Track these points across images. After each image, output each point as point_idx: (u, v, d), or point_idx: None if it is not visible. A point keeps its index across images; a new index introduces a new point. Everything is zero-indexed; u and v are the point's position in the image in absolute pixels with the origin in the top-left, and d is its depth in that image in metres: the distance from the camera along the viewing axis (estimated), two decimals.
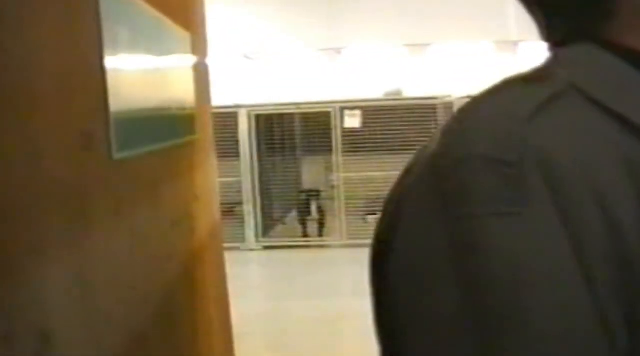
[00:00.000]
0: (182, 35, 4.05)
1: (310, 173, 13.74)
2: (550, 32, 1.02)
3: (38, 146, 1.92)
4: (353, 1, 18.16)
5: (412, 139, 12.36)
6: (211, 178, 5.03)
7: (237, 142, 12.50)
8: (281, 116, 13.42)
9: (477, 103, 0.93)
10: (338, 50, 17.86)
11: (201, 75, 4.59)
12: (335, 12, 17.98)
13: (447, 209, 0.82)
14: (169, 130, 3.68)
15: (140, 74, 3.12)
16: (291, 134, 13.82)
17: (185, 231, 3.93)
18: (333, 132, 12.62)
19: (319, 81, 16.98)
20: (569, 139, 0.81)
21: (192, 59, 4.31)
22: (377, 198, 12.69)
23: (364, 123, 12.59)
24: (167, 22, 3.68)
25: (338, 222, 12.71)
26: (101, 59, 2.44)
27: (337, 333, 8.44)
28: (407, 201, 0.89)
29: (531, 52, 19.20)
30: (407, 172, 0.95)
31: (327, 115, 12.67)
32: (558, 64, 0.94)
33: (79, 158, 2.22)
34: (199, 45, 4.53)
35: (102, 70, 2.44)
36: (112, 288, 2.46)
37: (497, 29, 18.82)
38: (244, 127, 12.62)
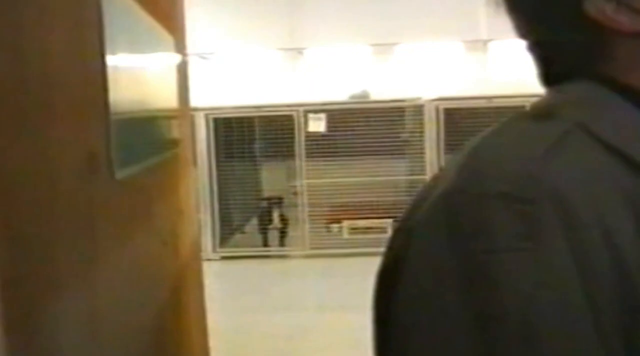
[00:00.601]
0: (169, 42, 4.05)
1: (271, 180, 13.21)
2: (549, 67, 1.11)
3: (54, 166, 1.90)
4: (318, 1, 17.77)
5: (379, 144, 11.98)
6: (192, 191, 4.93)
7: (194, 147, 11.90)
8: (241, 120, 12.86)
9: (489, 141, 1.01)
10: (300, 51, 17.40)
11: (183, 84, 4.57)
12: (297, 11, 17.65)
13: (460, 242, 0.88)
14: (158, 145, 3.62)
15: (135, 87, 3.02)
16: (251, 139, 13.25)
17: (171, 250, 3.82)
18: (296, 136, 12.06)
19: (281, 83, 16.57)
20: (579, 177, 0.89)
21: (177, 71, 4.28)
22: (341, 206, 12.20)
23: (329, 127, 12.09)
24: (161, 31, 3.70)
25: (300, 231, 12.11)
26: (104, 71, 2.37)
27: (300, 348, 7.98)
28: (418, 234, 0.95)
29: (501, 51, 19.01)
30: (416, 206, 0.98)
31: (290, 118, 12.16)
32: (563, 102, 1.02)
33: (87, 179, 2.18)
34: (181, 53, 4.60)
35: (104, 83, 2.36)
36: (116, 317, 2.42)
37: (466, 29, 18.58)
38: (201, 131, 12.06)
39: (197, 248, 5.13)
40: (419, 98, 12.31)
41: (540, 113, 1.01)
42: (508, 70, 18.85)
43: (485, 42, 18.77)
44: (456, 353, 0.84)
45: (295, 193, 12.26)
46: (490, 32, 18.69)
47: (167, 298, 3.64)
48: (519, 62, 16.47)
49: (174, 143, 4.03)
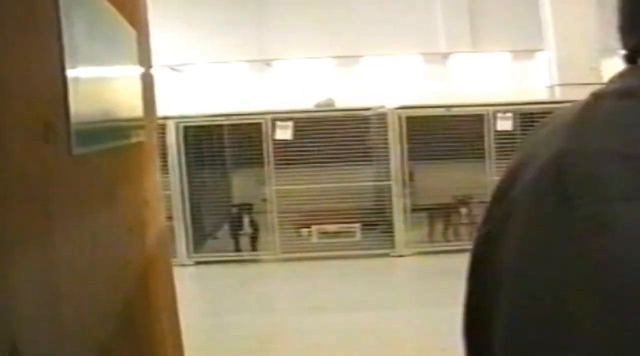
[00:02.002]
0: (130, 32, 3.81)
1: (241, 187, 13.43)
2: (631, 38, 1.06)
3: (4, 134, 1.76)
4: (283, 13, 18.02)
5: (345, 151, 12.22)
6: (158, 185, 4.75)
7: (165, 154, 12.08)
8: (210, 128, 13.06)
9: (589, 108, 0.99)
10: (268, 62, 17.67)
11: (147, 78, 4.35)
12: (265, 23, 17.88)
13: (573, 196, 0.87)
14: (121, 129, 3.46)
15: (95, 66, 2.90)
16: (221, 146, 13.46)
17: (138, 238, 3.68)
18: (264, 143, 12.30)
19: (249, 92, 16.77)
20: None
21: (139, 60, 4.06)
22: (310, 212, 12.47)
23: (296, 134, 12.33)
24: (118, 17, 3.46)
25: (271, 236, 12.36)
26: (61, 48, 2.26)
27: (277, 349, 8.14)
28: (525, 198, 0.94)
29: (460, 63, 19.43)
30: (519, 169, 1.00)
31: (258, 126, 12.37)
32: None
33: (40, 151, 2.04)
34: (144, 46, 4.28)
35: (61, 59, 2.25)
36: (76, 295, 2.27)
37: (425, 42, 18.97)
38: (172, 139, 12.24)
39: (166, 241, 5.04)
40: (382, 107, 12.58)
41: (623, 90, 0.98)
42: (464, 81, 19.37)
43: (444, 55, 19.24)
44: (575, 305, 0.83)
45: (264, 200, 12.49)
46: (448, 46, 19.19)
47: (134, 286, 3.50)
48: (474, 73, 16.94)
49: (136, 134, 3.82)
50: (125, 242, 3.29)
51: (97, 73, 2.97)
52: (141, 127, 3.97)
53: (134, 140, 3.72)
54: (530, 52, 19.42)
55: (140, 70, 4.10)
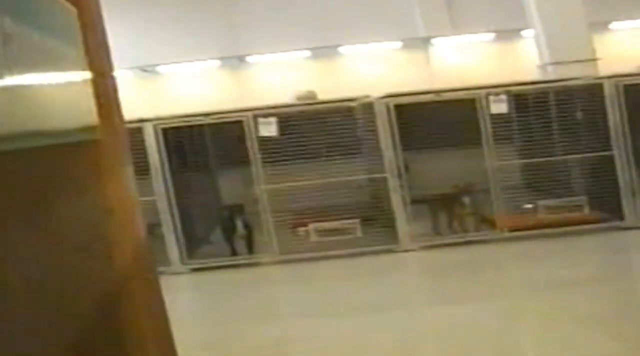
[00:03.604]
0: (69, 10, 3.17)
1: (229, 188, 12.85)
2: None
3: None
4: (253, 7, 17.54)
5: (334, 144, 11.76)
6: (129, 191, 4.07)
7: (146, 158, 11.46)
8: (190, 128, 12.47)
9: None
10: (242, 58, 17.19)
11: (102, 79, 3.74)
12: (238, 19, 17.47)
13: None
14: (61, 121, 2.82)
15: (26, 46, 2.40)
16: (203, 147, 12.89)
17: (97, 257, 3.07)
18: (249, 141, 11.71)
19: (226, 90, 16.33)
20: None
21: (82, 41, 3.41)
22: (306, 209, 11.92)
23: (282, 131, 11.77)
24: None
25: (267, 237, 11.76)
26: None
27: None
28: None
29: (441, 47, 19.16)
30: None
31: (240, 124, 11.78)
32: None
33: None
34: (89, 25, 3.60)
35: None
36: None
37: (404, 28, 18.66)
38: (151, 142, 11.62)
39: (143, 255, 4.24)
40: (368, 97, 12.05)
41: None
42: (448, 65, 19.04)
43: (424, 40, 18.93)
44: None
45: (255, 200, 11.92)
46: (427, 30, 18.84)
47: (93, 318, 2.88)
48: (458, 57, 16.61)
49: (87, 130, 3.25)
50: (73, 267, 2.64)
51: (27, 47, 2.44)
52: (94, 127, 3.36)
53: (81, 137, 3.13)
54: (513, 32, 19.07)
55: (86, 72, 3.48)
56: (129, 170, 4.19)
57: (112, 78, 4.01)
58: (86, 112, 3.24)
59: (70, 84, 3.10)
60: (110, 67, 3.93)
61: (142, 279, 3.97)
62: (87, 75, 3.32)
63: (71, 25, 3.17)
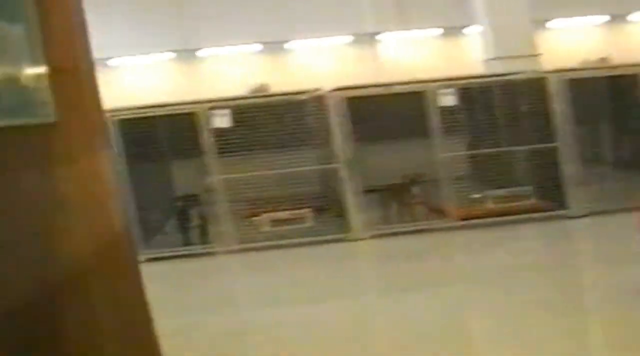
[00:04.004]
0: None
1: (183, 178, 12.94)
2: None
3: None
4: (208, 2, 17.60)
5: (287, 136, 11.93)
6: (97, 179, 3.75)
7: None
8: (145, 120, 12.50)
9: None
10: (195, 51, 17.26)
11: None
12: (191, 12, 17.48)
13: None
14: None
15: None
16: (159, 139, 12.94)
17: (47, 255, 2.91)
18: (202, 133, 11.84)
19: (179, 83, 16.37)
20: None
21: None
22: (259, 200, 12.08)
23: (235, 122, 11.91)
24: None
25: (221, 227, 11.89)
26: None
27: (246, 347, 7.58)
28: None
29: (389, 42, 19.39)
30: None
31: (194, 116, 11.90)
32: None
33: None
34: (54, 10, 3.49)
35: None
36: None
37: (353, 23, 18.86)
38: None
39: (118, 250, 3.90)
40: (320, 89, 12.25)
41: None
42: (396, 60, 19.28)
43: (372, 35, 19.15)
44: None
45: (208, 190, 12.04)
46: (376, 26, 19.07)
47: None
48: (405, 51, 16.87)
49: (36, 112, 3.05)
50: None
51: None
52: (48, 110, 3.17)
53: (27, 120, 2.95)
54: (459, 28, 19.39)
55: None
56: (102, 159, 3.90)
57: (87, 64, 3.90)
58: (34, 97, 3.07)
59: (14, 69, 2.94)
60: (83, 53, 3.76)
61: (106, 270, 3.66)
62: (41, 60, 3.16)
63: (22, 10, 3.04)
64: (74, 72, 3.57)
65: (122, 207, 4.01)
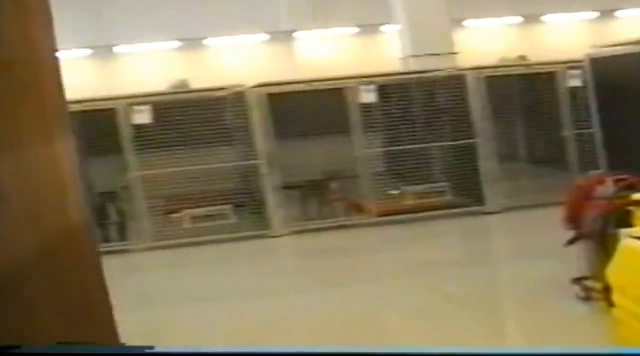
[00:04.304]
0: None
1: (102, 175, 12.74)
2: None
3: None
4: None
5: (207, 133, 11.88)
6: (47, 173, 3.43)
7: None
8: None
9: None
10: (110, 48, 17.08)
11: None
12: (106, 9, 17.26)
13: None
14: None
15: None
16: (76, 134, 12.70)
17: None
18: (121, 129, 11.72)
19: (97, 80, 16.17)
20: None
21: None
22: (179, 196, 12.01)
23: (156, 119, 11.81)
24: None
25: (140, 224, 11.79)
26: None
27: (165, 344, 7.42)
28: None
29: (305, 40, 19.44)
30: None
31: (113, 112, 11.76)
32: None
33: None
34: None
35: None
36: None
37: (270, 21, 18.87)
38: None
39: (64, 243, 3.52)
40: (241, 86, 12.23)
41: None
42: (312, 58, 19.34)
43: (289, 33, 19.19)
44: None
45: (126, 187, 11.92)
46: (292, 24, 19.11)
47: None
48: (321, 50, 16.91)
49: None
50: None
51: None
52: None
53: None
54: (375, 26, 19.50)
55: None
56: (57, 152, 3.66)
57: (49, 53, 3.69)
58: None
59: None
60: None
61: (62, 262, 3.41)
62: None
63: None
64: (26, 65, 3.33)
65: (79, 196, 3.69)
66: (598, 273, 6.55)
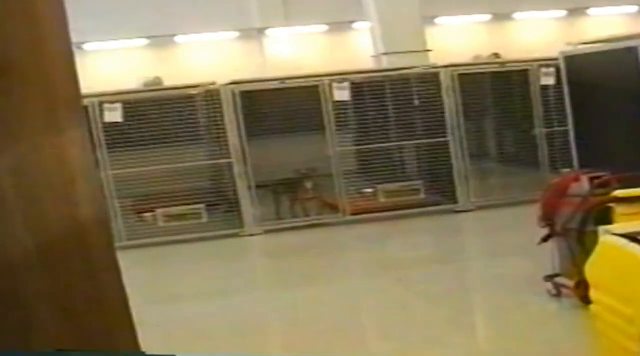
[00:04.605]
0: None
1: None
2: None
3: None
4: None
5: (179, 130, 11.90)
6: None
7: None
8: None
9: None
10: (79, 45, 16.95)
11: None
12: (74, 6, 17.11)
13: None
14: None
15: None
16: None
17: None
18: (93, 127, 11.61)
19: None
20: None
21: None
22: (151, 195, 11.93)
23: (126, 116, 11.74)
24: None
25: (112, 222, 11.66)
26: None
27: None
28: None
29: (275, 37, 19.40)
30: None
31: (84, 109, 11.64)
32: None
33: None
34: None
35: None
36: None
37: (239, 18, 18.81)
38: None
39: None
40: (213, 83, 12.18)
41: None
42: (282, 55, 19.30)
43: (259, 30, 19.14)
44: None
45: None
46: (262, 21, 19.08)
47: None
48: (291, 47, 16.85)
49: None
50: None
51: None
52: None
53: None
54: (345, 23, 19.48)
55: None
56: (65, 145, 3.55)
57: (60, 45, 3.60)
58: None
59: None
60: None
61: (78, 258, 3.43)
62: None
63: None
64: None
65: (91, 191, 3.67)
66: (570, 270, 6.65)
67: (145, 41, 18.80)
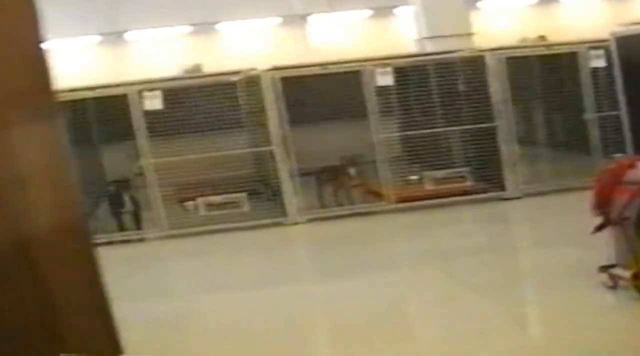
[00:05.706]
0: None
1: (114, 162, 12.57)
2: None
3: None
4: None
5: (221, 118, 11.70)
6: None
7: None
8: (74, 103, 12.07)
9: None
10: (121, 34, 16.94)
11: None
12: None
13: None
14: None
15: None
16: (87, 121, 12.54)
17: None
18: (133, 115, 11.49)
19: (109, 66, 16.05)
20: None
21: None
22: (193, 183, 11.83)
23: (167, 104, 11.60)
24: None
25: (155, 212, 11.57)
26: None
27: (183, 335, 7.23)
28: None
29: (319, 24, 19.31)
30: None
31: (125, 98, 11.54)
32: None
33: None
34: None
35: None
36: None
37: (282, 5, 18.72)
38: None
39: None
40: (254, 69, 12.00)
41: None
42: (326, 42, 19.19)
43: (302, 17, 19.06)
44: None
45: (140, 174, 11.72)
46: (305, 7, 18.96)
47: None
48: (334, 33, 16.73)
49: None
50: None
51: None
52: None
53: None
54: (388, 8, 19.33)
55: None
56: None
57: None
58: None
59: None
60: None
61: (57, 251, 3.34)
62: None
63: None
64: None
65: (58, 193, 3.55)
66: (627, 261, 6.40)
67: (187, 29, 18.76)
